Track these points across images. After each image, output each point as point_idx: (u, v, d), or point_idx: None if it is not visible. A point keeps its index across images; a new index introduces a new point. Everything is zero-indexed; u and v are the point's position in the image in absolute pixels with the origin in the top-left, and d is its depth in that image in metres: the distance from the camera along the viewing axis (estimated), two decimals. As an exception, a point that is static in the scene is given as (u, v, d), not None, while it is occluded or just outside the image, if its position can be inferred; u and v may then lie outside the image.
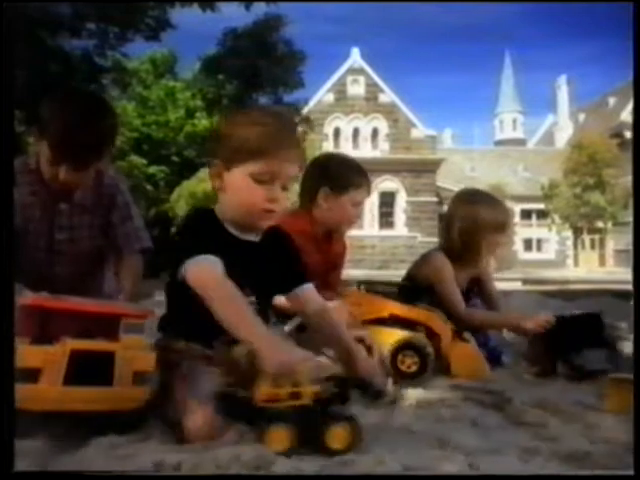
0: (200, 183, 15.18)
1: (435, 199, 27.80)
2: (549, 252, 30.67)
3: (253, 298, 1.26)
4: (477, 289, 2.26)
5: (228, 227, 1.28)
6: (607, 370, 1.54)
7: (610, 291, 3.83)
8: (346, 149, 28.92)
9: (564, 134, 37.42)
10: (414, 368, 1.62)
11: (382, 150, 29.23)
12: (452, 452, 0.99)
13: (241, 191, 1.23)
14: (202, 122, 15.29)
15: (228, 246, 1.23)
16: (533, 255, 30.41)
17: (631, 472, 0.93)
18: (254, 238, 1.31)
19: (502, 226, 2.11)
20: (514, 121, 52.79)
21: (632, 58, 1.89)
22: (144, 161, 17.97)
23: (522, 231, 30.62)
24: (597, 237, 28.56)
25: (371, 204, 28.77)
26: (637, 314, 1.53)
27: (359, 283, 1.95)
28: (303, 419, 0.97)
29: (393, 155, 28.74)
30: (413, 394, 1.41)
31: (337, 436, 0.97)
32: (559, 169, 26.46)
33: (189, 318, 1.22)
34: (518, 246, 30.51)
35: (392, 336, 1.66)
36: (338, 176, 2.06)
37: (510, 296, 4.04)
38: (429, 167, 28.51)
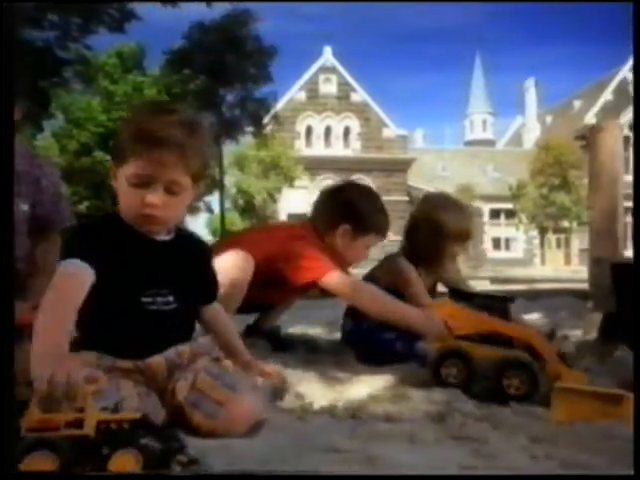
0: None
1: (406, 198, 28.01)
2: (517, 251, 31.21)
3: (170, 298, 1.16)
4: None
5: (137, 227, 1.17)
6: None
7: (571, 291, 3.84)
8: (318, 148, 28.93)
9: (532, 135, 38.14)
10: (523, 389, 1.40)
11: (354, 149, 29.34)
12: (382, 471, 0.90)
13: (121, 194, 1.14)
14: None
15: (134, 246, 1.15)
16: (501, 254, 30.90)
17: (631, 472, 0.91)
18: (167, 237, 1.21)
19: (466, 235, 2.05)
20: (484, 122, 53.63)
21: (632, 58, 1.86)
22: (109, 157, 17.58)
23: (491, 230, 31.10)
24: (563, 236, 29.18)
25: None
26: (637, 312, 1.47)
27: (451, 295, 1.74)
28: (79, 451, 0.79)
29: (365, 154, 28.86)
30: (349, 407, 1.32)
31: (122, 465, 0.80)
32: (527, 170, 26.96)
33: (95, 327, 1.11)
34: (487, 245, 30.97)
35: (495, 354, 1.45)
36: (364, 216, 1.93)
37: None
38: (400, 166, 28.73)
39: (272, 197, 22.33)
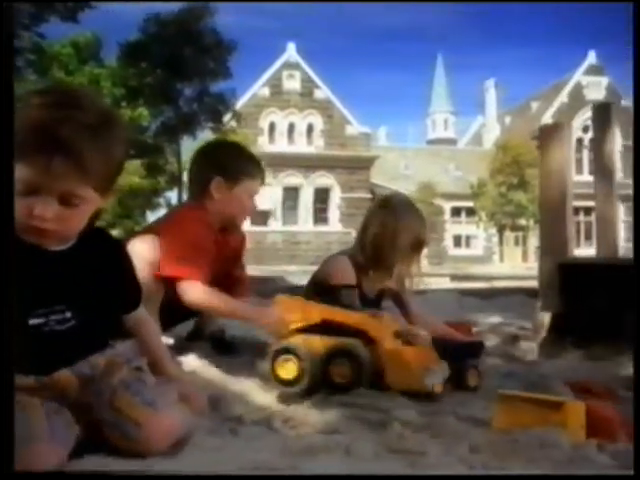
0: (124, 176, 14.50)
1: (369, 196, 28.19)
2: (477, 248, 31.86)
3: (68, 314, 1.03)
4: (393, 301, 2.16)
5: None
6: None
7: (525, 289, 3.88)
8: (281, 144, 28.77)
9: (492, 135, 38.96)
10: (348, 378, 1.47)
11: (317, 146, 29.32)
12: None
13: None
14: (126, 112, 14.58)
15: (21, 259, 0.96)
16: (462, 251, 31.47)
17: (631, 472, 0.90)
18: (64, 246, 1.05)
19: (418, 244, 1.99)
20: (445, 121, 54.49)
21: (632, 58, 1.85)
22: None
23: (452, 228, 31.63)
24: (520, 234, 29.95)
25: (306, 200, 28.79)
26: (638, 312, 1.45)
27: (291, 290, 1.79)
28: None
29: (328, 151, 28.88)
30: (287, 416, 1.26)
31: None
32: (487, 169, 27.54)
33: None
34: (448, 242, 31.50)
35: (324, 344, 1.51)
36: (231, 165, 1.92)
37: (428, 294, 4.02)
38: (363, 164, 28.89)
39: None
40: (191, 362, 1.79)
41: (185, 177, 19.73)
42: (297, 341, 1.53)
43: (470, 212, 30.09)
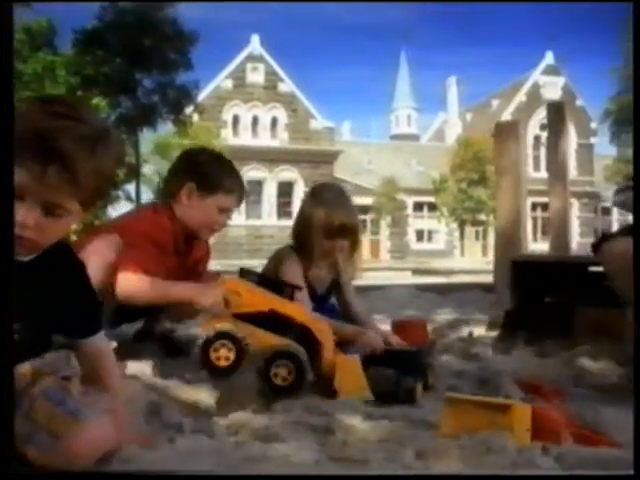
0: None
1: (333, 190, 28.14)
2: (439, 242, 32.33)
3: (16, 326, 0.96)
4: (335, 292, 2.11)
5: None
6: None
7: (481, 285, 3.93)
8: (245, 137, 28.45)
9: (454, 131, 39.53)
10: (290, 380, 1.43)
11: (281, 140, 29.12)
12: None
13: None
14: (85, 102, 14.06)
15: None
16: (424, 245, 31.89)
17: (631, 472, 0.89)
18: (27, 257, 0.99)
19: (336, 228, 1.90)
20: (409, 117, 54.98)
21: (632, 58, 1.84)
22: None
23: (414, 222, 32.00)
24: (480, 229, 30.55)
25: (269, 194, 28.61)
26: (637, 312, 1.44)
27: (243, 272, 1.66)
28: None
29: (292, 145, 28.74)
30: (231, 423, 1.21)
31: None
32: (448, 165, 27.96)
33: None
34: (411, 236, 31.86)
35: (267, 342, 1.47)
36: (209, 174, 1.83)
37: (386, 290, 4.03)
38: (327, 158, 28.86)
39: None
40: (135, 365, 1.72)
41: (148, 169, 19.33)
42: (235, 327, 1.47)
43: (432, 207, 30.49)
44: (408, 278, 11.94)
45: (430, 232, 32.40)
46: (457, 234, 31.51)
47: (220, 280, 1.60)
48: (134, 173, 13.77)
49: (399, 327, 2.19)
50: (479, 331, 2.58)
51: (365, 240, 30.99)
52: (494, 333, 2.42)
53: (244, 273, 1.61)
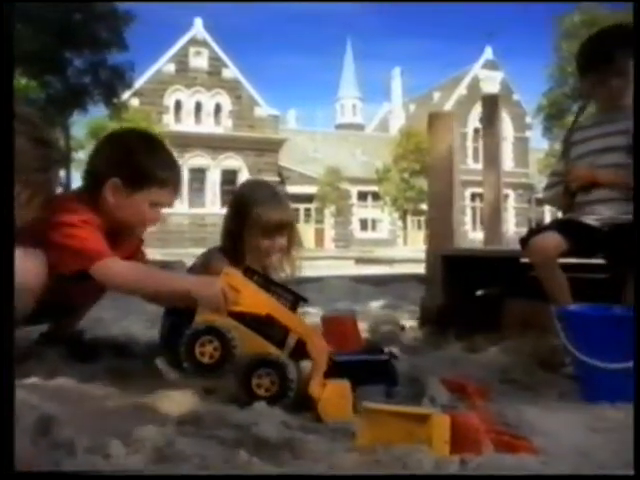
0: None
1: (277, 178, 28.02)
2: (382, 232, 32.82)
3: None
4: None
5: None
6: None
7: (417, 276, 3.92)
8: (188, 124, 27.69)
9: (397, 122, 40.06)
10: (273, 391, 1.33)
11: (225, 127, 28.57)
12: None
13: None
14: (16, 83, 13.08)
15: None
16: (368, 234, 32.28)
17: (631, 472, 0.89)
18: None
19: (275, 229, 1.80)
20: (354, 106, 55.29)
21: (632, 58, 1.78)
22: None
23: (359, 212, 32.31)
24: (422, 218, 31.21)
25: (213, 182, 28.05)
26: (637, 311, 1.40)
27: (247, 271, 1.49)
28: None
29: (236, 132, 28.25)
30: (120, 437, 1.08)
31: None
32: (391, 155, 28.33)
33: None
34: (355, 225, 32.17)
35: (257, 347, 1.36)
36: (138, 168, 1.59)
37: (322, 282, 3.97)
38: (272, 146, 28.59)
39: (135, 174, 20.91)
40: (34, 371, 1.56)
41: (82, 154, 18.43)
42: (227, 325, 1.35)
43: (376, 196, 30.85)
44: (351, 267, 11.99)
45: (374, 221, 32.82)
46: (400, 223, 32.07)
47: (223, 273, 1.43)
48: (64, 159, 13.03)
49: (328, 322, 2.11)
50: (412, 324, 2.55)
51: (310, 229, 31.03)
52: (426, 327, 2.39)
53: (249, 272, 1.45)
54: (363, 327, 2.41)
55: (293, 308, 1.45)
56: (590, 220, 1.86)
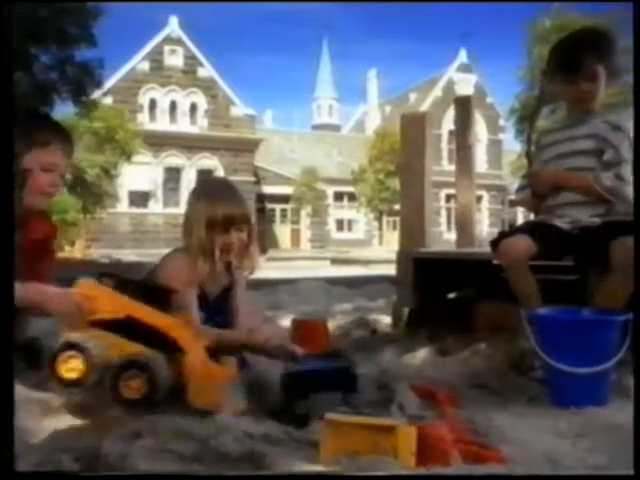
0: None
1: (253, 179, 27.84)
2: (358, 232, 32.88)
3: None
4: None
5: None
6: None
7: (389, 277, 3.91)
8: (163, 123, 27.31)
9: (373, 123, 40.19)
10: (142, 392, 1.29)
11: (201, 126, 28.27)
12: None
13: None
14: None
15: None
16: (344, 235, 32.31)
17: (631, 472, 0.89)
18: None
19: (226, 223, 1.72)
20: (330, 107, 55.31)
21: (632, 58, 1.75)
22: None
23: (335, 212, 32.32)
24: (397, 219, 31.38)
25: (188, 182, 27.74)
26: (637, 311, 1.38)
27: (101, 275, 1.48)
28: None
29: (212, 132, 27.99)
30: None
31: None
32: (367, 155, 28.41)
33: None
34: (331, 226, 32.17)
35: (116, 348, 1.33)
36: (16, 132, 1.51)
37: (296, 283, 3.93)
38: (248, 146, 28.39)
39: (107, 173, 20.50)
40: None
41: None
42: (86, 336, 1.33)
43: (352, 197, 30.89)
44: (327, 267, 11.97)
45: (350, 222, 32.87)
46: (376, 224, 32.19)
47: (76, 284, 1.40)
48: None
49: (299, 326, 2.08)
50: (384, 327, 2.52)
51: (286, 229, 30.91)
52: (398, 330, 2.37)
53: (103, 277, 1.42)
54: (334, 330, 2.38)
55: (166, 302, 1.44)
56: (560, 223, 1.86)
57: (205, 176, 27.35)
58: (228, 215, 1.72)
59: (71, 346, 1.30)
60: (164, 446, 1.09)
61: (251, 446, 1.06)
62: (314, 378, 1.39)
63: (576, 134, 1.91)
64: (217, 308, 1.83)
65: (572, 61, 1.85)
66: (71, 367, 1.29)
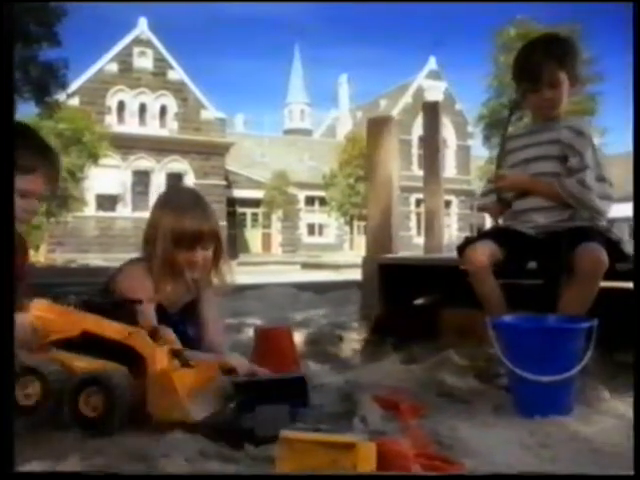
0: None
1: (224, 182, 27.61)
2: (329, 237, 32.92)
3: None
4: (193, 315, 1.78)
5: None
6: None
7: (357, 282, 3.87)
8: (132, 125, 26.86)
9: (345, 128, 40.39)
10: (102, 409, 1.22)
11: (171, 129, 27.89)
12: None
13: None
14: None
15: None
16: (315, 239, 32.29)
17: (631, 472, 0.90)
18: None
19: (192, 239, 1.64)
20: (302, 112, 55.37)
21: (632, 58, 1.72)
22: None
23: (306, 216, 32.29)
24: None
25: (158, 185, 27.31)
26: (637, 313, 1.36)
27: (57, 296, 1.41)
28: None
29: (182, 135, 27.65)
30: None
31: None
32: (337, 160, 28.50)
33: None
34: (303, 230, 32.13)
35: (77, 367, 1.28)
36: None
37: (264, 289, 3.86)
38: (219, 150, 28.15)
39: (73, 176, 20.01)
40: None
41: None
42: (44, 359, 1.28)
43: (323, 201, 30.92)
44: (297, 272, 11.92)
45: (321, 226, 32.88)
46: (347, 228, 32.28)
47: (33, 305, 1.34)
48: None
49: (263, 334, 2.01)
50: (351, 334, 2.48)
51: (257, 233, 30.71)
52: (364, 337, 2.33)
53: (58, 297, 1.37)
54: (300, 338, 2.33)
55: (131, 314, 1.40)
56: (525, 228, 1.86)
57: (175, 180, 27.01)
58: (196, 232, 1.63)
59: (29, 371, 1.24)
60: (113, 468, 1.02)
61: (205, 464, 1.00)
62: (261, 389, 1.33)
63: (541, 140, 1.92)
64: (179, 324, 1.74)
65: (533, 69, 1.86)
66: (28, 393, 1.23)
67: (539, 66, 1.84)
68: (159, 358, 1.28)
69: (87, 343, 1.32)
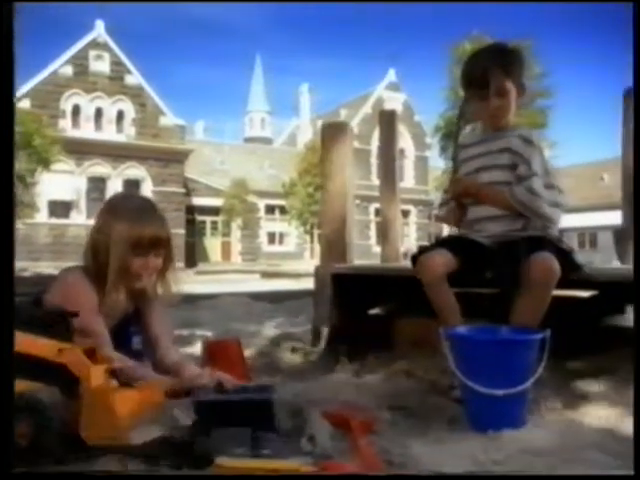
0: None
1: (182, 190, 27.17)
2: (290, 245, 32.83)
3: None
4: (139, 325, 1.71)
5: None
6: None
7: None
8: (87, 130, 26.13)
9: (305, 137, 40.48)
10: (30, 436, 1.11)
11: (128, 135, 27.29)
12: None
13: None
14: None
15: None
16: (276, 248, 32.14)
17: (631, 472, 0.90)
18: None
19: (146, 246, 1.58)
20: (262, 120, 55.26)
21: (632, 58, 1.67)
22: None
23: (266, 225, 32.12)
24: (329, 233, 31.58)
25: (114, 191, 26.64)
26: (637, 315, 1.35)
27: None
28: None
29: (140, 141, 27.09)
30: None
31: None
32: (297, 169, 28.52)
33: None
34: (263, 239, 31.93)
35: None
36: None
37: (216, 299, 3.75)
38: (178, 157, 27.71)
39: (23, 181, 19.24)
40: None
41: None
42: None
43: (283, 210, 30.84)
44: (257, 281, 11.79)
45: (281, 235, 32.76)
46: (307, 237, 32.27)
47: None
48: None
49: (211, 347, 1.92)
50: (304, 345, 2.41)
51: (216, 242, 30.30)
52: (317, 349, 2.26)
53: None
54: (250, 350, 2.24)
55: (67, 328, 1.29)
56: (478, 237, 1.84)
57: (131, 187, 26.39)
58: (153, 237, 1.56)
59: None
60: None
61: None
62: (220, 410, 1.24)
63: (492, 148, 1.91)
64: (122, 335, 1.64)
65: (480, 76, 1.85)
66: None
67: (485, 73, 1.84)
68: (94, 377, 1.18)
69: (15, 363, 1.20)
